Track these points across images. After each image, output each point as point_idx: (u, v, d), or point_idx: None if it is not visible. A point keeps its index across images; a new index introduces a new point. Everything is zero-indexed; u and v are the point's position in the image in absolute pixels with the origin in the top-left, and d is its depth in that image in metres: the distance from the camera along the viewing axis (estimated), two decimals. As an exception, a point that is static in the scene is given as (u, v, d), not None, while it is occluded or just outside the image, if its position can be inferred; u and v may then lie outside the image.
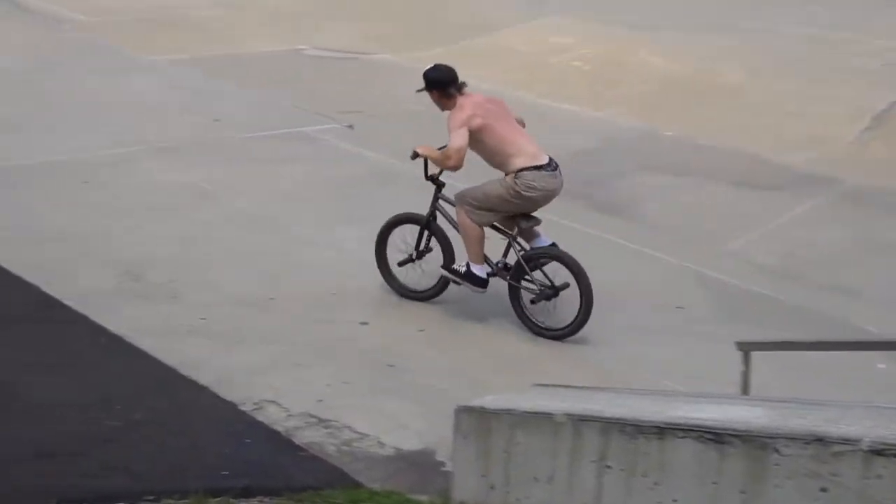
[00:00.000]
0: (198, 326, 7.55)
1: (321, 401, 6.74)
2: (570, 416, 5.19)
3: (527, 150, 7.92)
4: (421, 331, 7.76)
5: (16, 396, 6.50)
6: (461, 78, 7.98)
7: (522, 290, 8.02)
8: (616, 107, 13.61)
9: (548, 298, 7.92)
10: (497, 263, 8.11)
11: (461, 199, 8.01)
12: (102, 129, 11.22)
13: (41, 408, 6.38)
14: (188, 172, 10.28)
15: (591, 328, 7.80)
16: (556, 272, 7.86)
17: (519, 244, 8.03)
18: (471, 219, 7.95)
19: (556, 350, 7.78)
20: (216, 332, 7.48)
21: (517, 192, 7.83)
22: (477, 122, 7.77)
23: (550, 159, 7.93)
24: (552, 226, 8.35)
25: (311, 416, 6.55)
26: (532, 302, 7.99)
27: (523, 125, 8.20)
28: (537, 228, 8.07)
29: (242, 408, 6.55)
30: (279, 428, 6.38)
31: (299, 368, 7.11)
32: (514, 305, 8.06)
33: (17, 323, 7.42)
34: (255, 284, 8.23)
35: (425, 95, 8.00)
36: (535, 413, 5.36)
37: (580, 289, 7.73)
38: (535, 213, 8.01)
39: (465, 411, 5.73)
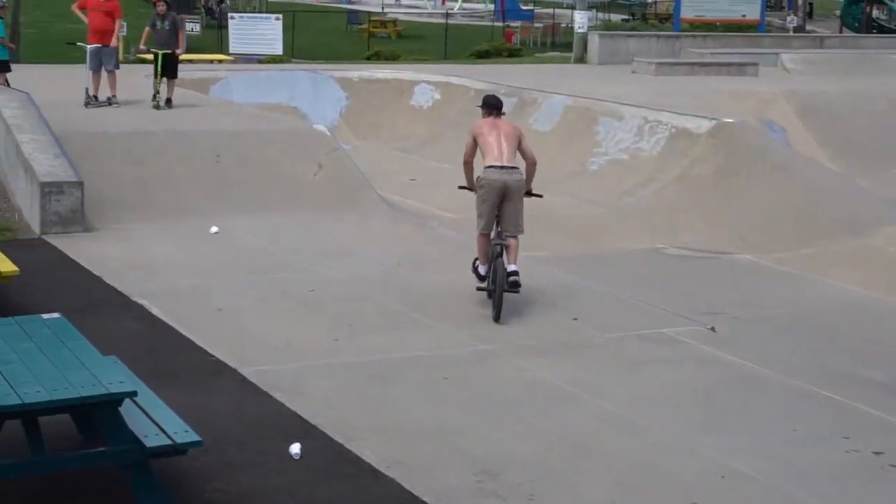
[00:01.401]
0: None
1: None
2: None
3: (492, 153, 11.62)
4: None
5: None
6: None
7: None
8: None
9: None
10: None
11: None
12: (463, 325, 11.48)
13: None
14: (548, 371, 10.33)
15: None
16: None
17: None
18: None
19: None
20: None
21: (480, 184, 11.71)
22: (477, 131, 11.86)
23: (509, 164, 11.61)
24: None
25: None
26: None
27: (519, 145, 11.82)
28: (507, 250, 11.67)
29: None
30: None
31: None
32: None
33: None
34: (614, 491, 8.09)
35: None
36: None
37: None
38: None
39: None
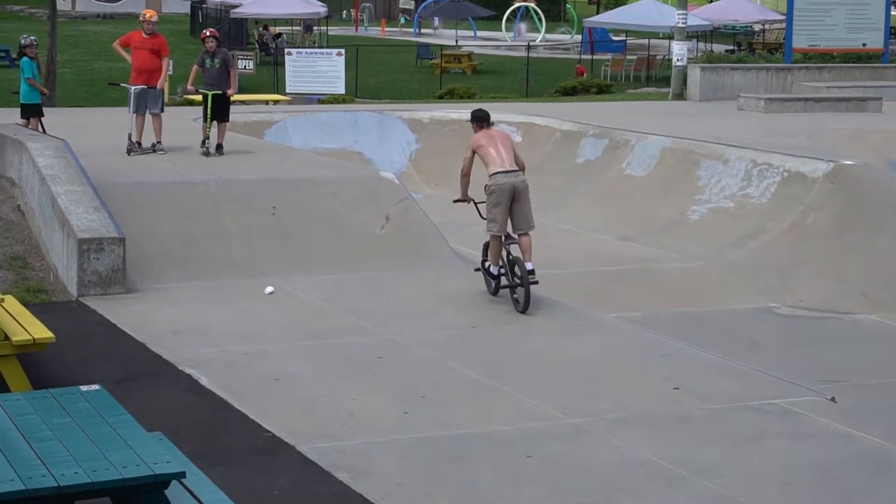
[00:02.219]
0: None
1: None
2: None
3: (496, 161, 14.07)
4: None
5: None
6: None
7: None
8: None
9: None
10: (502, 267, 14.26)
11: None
12: (547, 397, 11.45)
13: None
14: (646, 448, 10.26)
15: None
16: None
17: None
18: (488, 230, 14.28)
19: None
20: None
21: (490, 190, 14.13)
22: (476, 144, 14.35)
23: (512, 168, 14.12)
24: None
25: None
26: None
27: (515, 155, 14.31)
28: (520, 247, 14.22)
29: None
30: None
31: None
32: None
33: None
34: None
35: None
36: None
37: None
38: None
39: None
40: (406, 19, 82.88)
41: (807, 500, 9.43)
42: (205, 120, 19.56)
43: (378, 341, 13.00)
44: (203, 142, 19.47)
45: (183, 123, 22.30)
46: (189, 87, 20.83)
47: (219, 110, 19.49)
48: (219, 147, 19.50)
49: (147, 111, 19.69)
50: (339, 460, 9.67)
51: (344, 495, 9.07)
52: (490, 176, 14.12)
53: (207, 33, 20.07)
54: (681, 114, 28.44)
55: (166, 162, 18.91)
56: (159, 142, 19.80)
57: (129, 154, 19.41)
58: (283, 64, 39.65)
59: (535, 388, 11.64)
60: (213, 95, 19.39)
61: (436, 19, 73.98)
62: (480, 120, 14.55)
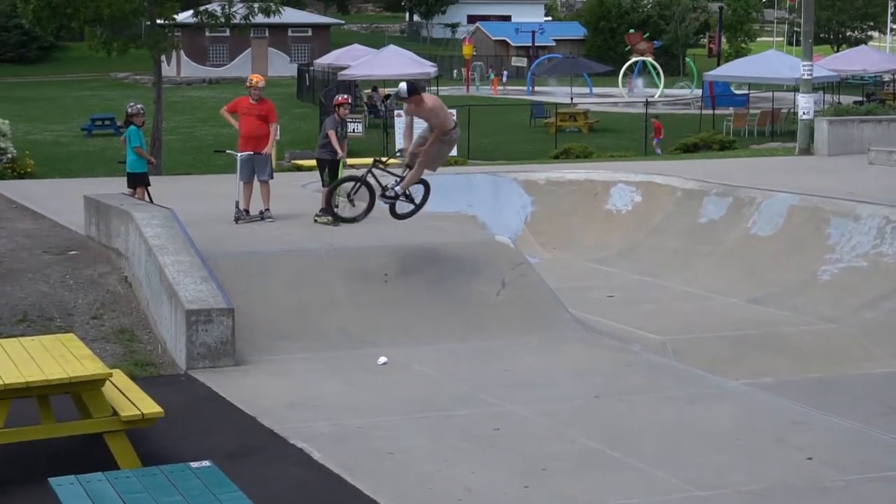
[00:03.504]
0: None
1: None
2: None
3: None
4: None
5: None
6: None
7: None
8: None
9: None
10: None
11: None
12: (676, 468, 11.33)
13: None
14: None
15: None
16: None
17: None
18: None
19: None
20: None
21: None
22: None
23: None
24: None
25: None
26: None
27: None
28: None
29: None
30: None
31: None
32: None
33: None
34: None
35: None
36: None
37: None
38: None
39: None
40: (498, 74, 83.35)
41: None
42: (333, 190, 18.87)
43: (495, 412, 12.96)
44: (326, 210, 19.19)
45: (291, 190, 22.53)
46: (342, 153, 19.81)
47: (337, 175, 19.35)
48: (333, 214, 19.02)
49: (255, 178, 19.88)
50: (458, 537, 9.63)
51: (463, 574, 9.01)
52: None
53: (343, 99, 20.09)
54: (808, 169, 28.20)
55: (275, 230, 19.09)
56: (268, 209, 19.98)
57: (236, 222, 19.61)
58: (393, 126, 39.95)
59: (663, 459, 11.52)
60: (338, 161, 19.35)
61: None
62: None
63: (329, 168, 19.62)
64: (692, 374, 14.58)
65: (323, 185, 19.77)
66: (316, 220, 19.53)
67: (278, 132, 21.61)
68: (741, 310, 19.15)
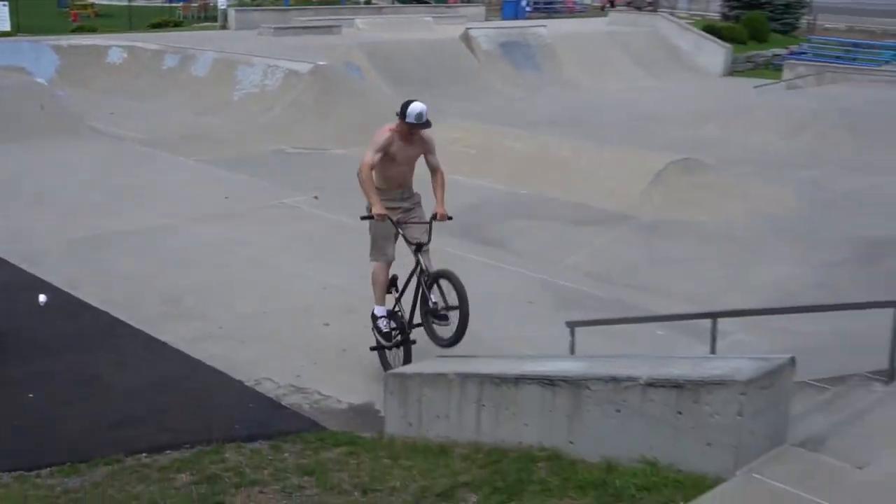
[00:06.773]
0: (217, 333, 7.55)
1: (299, 376, 6.77)
2: (457, 374, 5.31)
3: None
4: (365, 327, 7.77)
5: (101, 384, 6.49)
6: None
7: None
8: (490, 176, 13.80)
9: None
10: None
11: None
12: (155, 208, 11.11)
13: (116, 390, 6.38)
14: (212, 233, 10.23)
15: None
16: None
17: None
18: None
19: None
20: (229, 337, 7.49)
21: None
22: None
23: None
24: (450, 256, 8.42)
25: (293, 386, 6.58)
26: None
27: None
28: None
29: (247, 384, 6.57)
30: (272, 395, 6.41)
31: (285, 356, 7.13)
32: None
33: (99, 338, 7.39)
34: (256, 303, 8.24)
35: None
36: (436, 374, 5.46)
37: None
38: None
39: (390, 376, 5.81)
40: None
41: (304, 251, 9.76)
42: None
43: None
44: None
45: None
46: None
47: None
48: None
49: None
50: None
51: None
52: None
53: None
54: (225, 38, 27.44)
55: None
56: None
57: None
58: None
59: (147, 204, 11.20)
60: None
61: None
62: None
63: None
64: (161, 156, 14.20)
65: None
66: None
67: None
68: (190, 120, 18.54)
